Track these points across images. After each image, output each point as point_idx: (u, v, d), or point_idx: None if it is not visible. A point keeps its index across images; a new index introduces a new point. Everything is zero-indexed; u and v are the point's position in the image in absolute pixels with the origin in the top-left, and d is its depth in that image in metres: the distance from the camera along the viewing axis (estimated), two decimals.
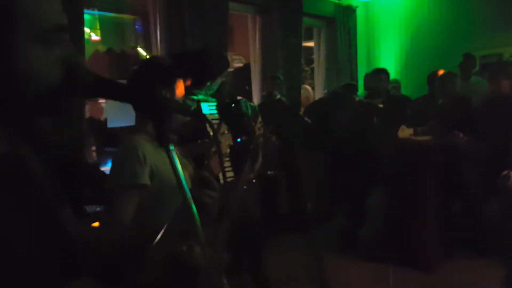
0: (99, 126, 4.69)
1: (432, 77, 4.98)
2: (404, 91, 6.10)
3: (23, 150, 0.87)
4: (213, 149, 1.70)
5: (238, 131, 1.81)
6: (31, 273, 0.74)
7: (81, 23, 3.45)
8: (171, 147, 0.84)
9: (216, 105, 2.64)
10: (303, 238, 3.19)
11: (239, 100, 2.76)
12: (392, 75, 6.50)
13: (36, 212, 0.81)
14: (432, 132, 4.02)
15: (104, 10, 6.85)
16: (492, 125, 3.70)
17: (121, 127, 3.94)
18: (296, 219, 2.97)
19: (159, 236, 1.10)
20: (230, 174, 2.24)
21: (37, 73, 0.73)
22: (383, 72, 4.58)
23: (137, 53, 8.43)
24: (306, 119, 2.40)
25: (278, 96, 2.27)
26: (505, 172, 2.90)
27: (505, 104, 3.74)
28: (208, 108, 2.55)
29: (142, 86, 0.80)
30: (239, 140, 1.72)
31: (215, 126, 1.42)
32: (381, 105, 3.72)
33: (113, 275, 1.02)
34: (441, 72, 4.84)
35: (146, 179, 1.58)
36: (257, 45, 5.52)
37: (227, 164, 2.28)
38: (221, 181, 1.73)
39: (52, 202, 0.89)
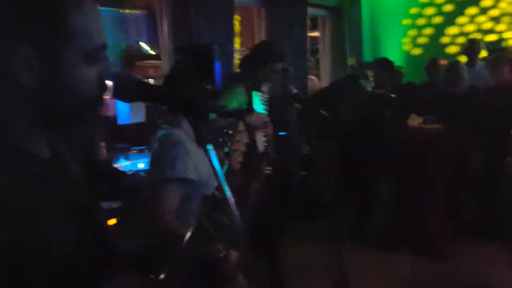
0: (107, 122, 4.70)
1: (431, 65, 4.97)
2: (408, 78, 6.08)
3: (63, 155, 0.91)
4: (233, 148, 1.72)
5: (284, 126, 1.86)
6: (74, 269, 0.78)
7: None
8: (209, 147, 0.87)
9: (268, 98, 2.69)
10: (317, 228, 3.22)
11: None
12: (397, 63, 6.52)
13: (76, 213, 0.84)
14: (441, 120, 4.03)
15: (107, 6, 6.86)
16: (494, 114, 3.71)
17: (132, 124, 3.96)
18: (310, 209, 2.99)
19: (188, 235, 1.12)
20: None
21: (80, 88, 0.78)
22: (386, 62, 4.57)
23: (141, 48, 8.45)
24: (322, 111, 2.41)
25: (295, 91, 2.30)
26: (509, 159, 2.91)
27: (506, 92, 3.75)
28: (260, 99, 2.60)
29: (181, 89, 0.84)
30: (283, 133, 1.75)
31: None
32: (393, 95, 3.73)
33: (149, 268, 1.05)
34: (442, 62, 4.85)
35: (194, 174, 1.60)
36: (263, 36, 5.51)
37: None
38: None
39: (90, 203, 0.92)
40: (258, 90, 2.67)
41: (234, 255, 1.29)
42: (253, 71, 2.70)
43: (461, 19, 6.45)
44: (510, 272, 3.12)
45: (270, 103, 2.67)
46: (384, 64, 4.51)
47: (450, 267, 3.55)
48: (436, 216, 3.80)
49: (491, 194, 3.78)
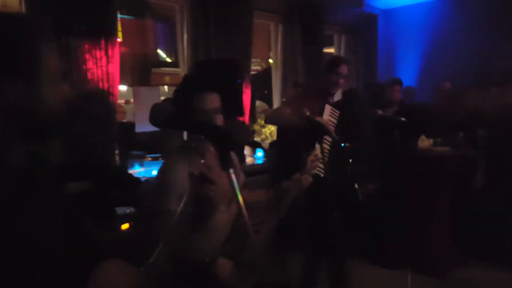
0: (123, 129, 4.81)
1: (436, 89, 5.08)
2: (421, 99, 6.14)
3: (40, 165, 1.04)
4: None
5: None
6: (59, 263, 0.92)
7: (115, 30, 3.60)
8: (231, 171, 0.97)
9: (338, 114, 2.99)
10: (326, 244, 3.29)
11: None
12: (410, 83, 6.59)
13: (54, 216, 0.99)
14: (450, 143, 4.09)
15: (126, 14, 7.05)
16: (503, 137, 3.76)
17: (150, 132, 4.07)
18: (320, 225, 3.06)
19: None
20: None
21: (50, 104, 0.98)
22: (397, 83, 4.66)
23: (158, 55, 8.62)
24: (334, 135, 2.50)
25: (308, 113, 2.40)
26: None
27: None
28: (330, 113, 2.85)
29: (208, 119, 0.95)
30: (343, 145, 1.85)
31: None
32: (403, 119, 3.81)
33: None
34: (447, 86, 4.95)
35: (173, 205, 1.62)
36: (279, 52, 5.63)
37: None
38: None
39: (68, 208, 1.06)
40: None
41: (224, 262, 1.39)
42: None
43: None
44: None
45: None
46: (393, 86, 4.59)
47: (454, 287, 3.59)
48: (441, 237, 3.84)
49: (501, 219, 3.79)
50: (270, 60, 5.95)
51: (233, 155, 1.73)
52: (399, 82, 4.70)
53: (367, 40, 6.85)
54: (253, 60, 8.27)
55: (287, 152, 2.81)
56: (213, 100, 1.76)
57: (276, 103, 5.65)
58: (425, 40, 6.97)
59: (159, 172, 1.77)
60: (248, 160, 4.63)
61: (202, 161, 1.63)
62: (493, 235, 3.71)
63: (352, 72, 6.71)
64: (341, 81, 3.11)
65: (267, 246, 1.74)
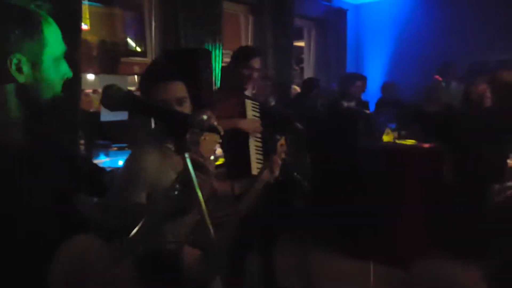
0: (89, 118, 4.71)
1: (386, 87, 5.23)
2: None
3: (39, 144, 1.10)
4: (203, 137, 1.78)
5: (277, 130, 1.96)
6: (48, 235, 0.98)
7: (79, 17, 3.52)
8: (186, 155, 0.96)
9: (259, 105, 2.76)
10: (290, 236, 3.32)
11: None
12: (380, 78, 6.71)
13: (50, 192, 1.04)
14: (416, 136, 4.19)
15: (94, 0, 6.86)
16: (467, 130, 3.86)
17: (115, 121, 4.00)
18: (285, 217, 3.09)
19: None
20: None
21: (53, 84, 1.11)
22: (359, 78, 4.75)
23: (127, 44, 8.45)
24: (297, 124, 2.52)
25: (273, 103, 2.38)
26: (496, 186, 3.02)
27: (478, 109, 3.90)
28: (251, 107, 2.66)
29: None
30: (278, 138, 1.86)
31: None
32: (366, 111, 3.88)
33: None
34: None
35: (142, 198, 1.63)
36: (249, 44, 5.61)
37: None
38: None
39: (64, 187, 1.11)
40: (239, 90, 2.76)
41: (189, 249, 1.40)
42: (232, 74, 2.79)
43: None
44: None
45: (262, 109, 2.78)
46: (354, 80, 4.67)
47: (417, 280, 3.68)
48: (406, 229, 3.93)
49: (470, 214, 3.87)
50: None
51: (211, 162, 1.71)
52: (361, 77, 4.80)
53: (336, 34, 6.92)
54: (224, 52, 8.23)
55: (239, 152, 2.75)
56: (177, 89, 1.74)
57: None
58: (394, 35, 7.10)
59: (128, 161, 1.74)
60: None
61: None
62: (459, 228, 3.80)
63: (322, 65, 6.78)
64: (254, 75, 2.86)
65: (228, 241, 1.74)
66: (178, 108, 1.70)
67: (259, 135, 2.75)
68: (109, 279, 0.99)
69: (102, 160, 3.95)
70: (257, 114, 2.81)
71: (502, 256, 2.68)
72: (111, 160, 3.95)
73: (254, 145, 2.63)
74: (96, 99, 5.62)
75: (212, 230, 1.05)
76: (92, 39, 7.15)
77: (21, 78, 1.02)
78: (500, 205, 2.77)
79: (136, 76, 8.34)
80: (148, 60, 4.61)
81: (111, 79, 4.43)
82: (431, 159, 4.07)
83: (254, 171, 2.53)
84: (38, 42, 1.03)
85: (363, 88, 4.76)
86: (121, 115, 3.95)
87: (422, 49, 6.59)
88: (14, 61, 1.00)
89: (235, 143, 2.57)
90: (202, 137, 1.97)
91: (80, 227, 1.03)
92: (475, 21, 6.19)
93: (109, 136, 4.19)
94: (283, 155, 1.95)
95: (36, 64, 1.03)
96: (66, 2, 3.34)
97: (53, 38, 1.06)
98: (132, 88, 6.35)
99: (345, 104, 3.99)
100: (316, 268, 3.16)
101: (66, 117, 3.40)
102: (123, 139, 4.15)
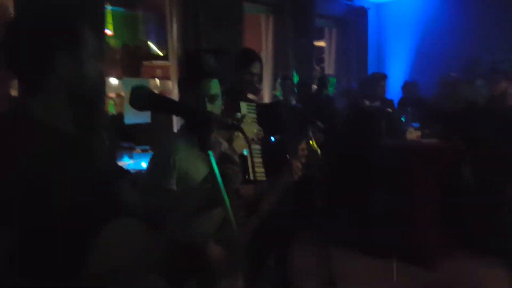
0: (112, 121, 4.79)
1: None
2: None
3: (90, 133, 1.22)
4: (236, 134, 1.82)
5: (274, 131, 1.95)
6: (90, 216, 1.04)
7: (103, 21, 3.59)
8: (210, 153, 0.98)
9: (256, 106, 2.73)
10: (312, 235, 3.32)
11: (279, 102, 2.83)
12: (402, 77, 6.63)
13: (95, 177, 1.14)
14: (438, 135, 4.14)
15: (117, 5, 6.99)
16: (489, 128, 3.80)
17: (139, 124, 4.06)
18: (306, 216, 3.08)
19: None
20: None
21: (94, 78, 1.21)
22: (382, 78, 4.71)
23: (149, 48, 8.58)
24: (319, 123, 2.51)
25: (293, 102, 2.37)
26: None
27: (500, 107, 3.84)
28: (246, 108, 2.65)
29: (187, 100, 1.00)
30: (273, 139, 1.87)
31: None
32: (389, 109, 3.85)
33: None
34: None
35: (172, 184, 1.68)
36: (269, 44, 5.63)
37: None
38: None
39: (109, 169, 1.25)
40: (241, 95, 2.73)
41: (215, 247, 1.42)
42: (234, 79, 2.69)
43: None
44: None
45: (260, 110, 2.73)
46: (377, 81, 4.65)
47: (442, 277, 3.64)
48: (428, 227, 3.88)
49: (491, 211, 3.82)
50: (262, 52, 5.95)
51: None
52: (384, 77, 4.76)
53: (357, 33, 6.87)
54: None
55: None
56: (212, 87, 1.78)
57: (266, 95, 5.65)
58: (415, 34, 7.01)
59: (158, 149, 1.81)
60: None
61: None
62: (480, 227, 3.75)
63: (343, 65, 6.75)
64: (254, 80, 2.73)
65: (249, 240, 1.77)
66: (210, 105, 1.75)
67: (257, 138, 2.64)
68: (142, 263, 1.04)
69: (126, 163, 4.02)
70: (254, 116, 2.71)
71: None
72: (135, 162, 4.02)
73: (252, 149, 2.55)
74: (119, 102, 5.71)
75: (236, 228, 1.06)
76: (115, 43, 7.28)
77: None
78: None
79: (157, 80, 8.47)
80: (170, 63, 4.67)
81: (134, 83, 4.50)
82: (453, 157, 4.01)
83: (254, 175, 2.48)
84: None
85: (385, 88, 4.74)
86: (144, 118, 4.02)
87: (443, 48, 6.49)
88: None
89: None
90: (236, 134, 2.02)
91: (122, 212, 1.08)
92: (497, 19, 6.06)
93: (133, 138, 4.26)
94: (303, 160, 1.95)
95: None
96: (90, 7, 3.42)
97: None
98: (155, 91, 6.43)
99: (368, 103, 3.97)
100: (338, 268, 3.15)
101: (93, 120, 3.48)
102: (147, 141, 4.22)
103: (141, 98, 0.98)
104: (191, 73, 1.82)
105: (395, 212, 3.95)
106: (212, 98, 1.76)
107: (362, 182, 4.07)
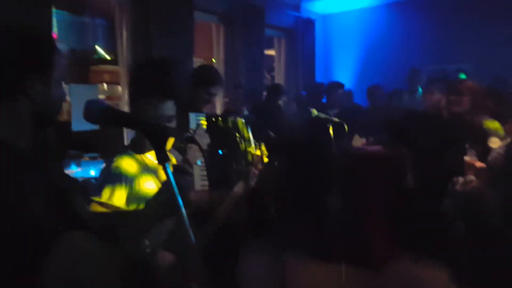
0: (59, 128, 4.63)
1: (372, 91, 5.39)
2: (356, 101, 6.45)
3: (44, 147, 1.23)
4: (189, 145, 1.84)
5: (221, 144, 1.98)
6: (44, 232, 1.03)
7: (50, 25, 3.50)
8: (167, 165, 1.02)
9: (205, 117, 2.72)
10: (264, 242, 3.38)
11: (227, 114, 2.78)
12: (348, 86, 6.88)
13: (50, 191, 1.11)
14: (381, 143, 4.34)
15: (62, 9, 6.79)
16: (423, 135, 4.02)
17: (86, 131, 3.97)
18: (258, 223, 3.14)
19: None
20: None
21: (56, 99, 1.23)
22: (340, 86, 4.90)
23: (97, 52, 8.37)
24: (270, 132, 2.58)
25: (246, 112, 2.41)
26: (455, 179, 3.16)
27: (434, 117, 4.08)
28: (195, 119, 2.61)
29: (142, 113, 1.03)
30: (220, 152, 1.91)
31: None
32: (336, 119, 4.00)
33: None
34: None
35: (120, 202, 1.70)
36: (221, 53, 5.69)
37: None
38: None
39: (63, 184, 1.21)
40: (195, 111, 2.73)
41: (165, 254, 1.45)
42: (190, 94, 2.65)
43: None
44: None
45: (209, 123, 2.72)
46: (335, 89, 4.82)
47: (389, 281, 3.80)
48: (376, 231, 4.05)
49: (431, 216, 4.03)
50: (214, 60, 6.00)
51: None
52: (341, 86, 4.96)
53: (305, 43, 7.09)
54: (196, 59, 8.26)
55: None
56: (168, 108, 1.80)
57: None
58: (360, 45, 7.33)
59: (106, 165, 1.80)
60: None
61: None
62: (423, 231, 3.95)
63: (292, 73, 6.92)
64: (213, 100, 2.67)
65: (203, 249, 1.80)
66: (167, 124, 1.77)
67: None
68: (99, 275, 1.05)
69: (73, 171, 3.92)
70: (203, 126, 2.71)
71: (471, 254, 2.81)
72: (83, 170, 3.93)
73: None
74: (66, 109, 5.54)
75: (192, 236, 1.10)
76: (61, 47, 7.03)
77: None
78: (462, 197, 2.90)
79: (105, 84, 8.27)
80: (119, 68, 4.60)
81: (81, 89, 4.40)
82: (396, 164, 4.21)
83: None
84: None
85: (342, 96, 4.93)
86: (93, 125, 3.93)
87: (387, 58, 6.83)
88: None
89: None
90: (189, 145, 2.04)
91: (76, 225, 1.08)
92: (436, 31, 6.47)
93: (80, 146, 4.16)
94: (259, 166, 2.02)
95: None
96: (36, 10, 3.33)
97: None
98: (103, 96, 6.30)
99: (316, 111, 4.12)
100: (289, 273, 3.23)
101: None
102: (95, 149, 4.13)
103: (97, 112, 0.99)
104: (146, 94, 1.81)
105: (344, 217, 4.08)
106: (170, 119, 1.78)
107: (313, 188, 4.18)
